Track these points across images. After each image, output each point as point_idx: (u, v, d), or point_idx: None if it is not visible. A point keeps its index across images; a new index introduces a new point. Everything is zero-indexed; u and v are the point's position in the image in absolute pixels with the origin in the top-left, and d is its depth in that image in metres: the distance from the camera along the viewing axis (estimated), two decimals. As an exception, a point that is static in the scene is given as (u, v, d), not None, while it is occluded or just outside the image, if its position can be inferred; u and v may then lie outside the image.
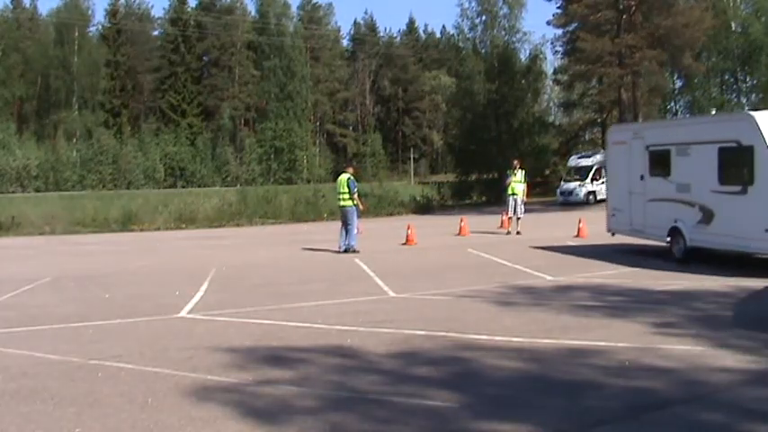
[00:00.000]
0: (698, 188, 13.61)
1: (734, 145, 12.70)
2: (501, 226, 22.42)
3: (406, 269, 14.28)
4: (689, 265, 13.40)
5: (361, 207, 17.41)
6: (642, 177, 15.26)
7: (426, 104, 71.93)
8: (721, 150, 12.98)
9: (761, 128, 12.10)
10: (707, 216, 13.35)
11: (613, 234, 16.80)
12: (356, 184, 17.18)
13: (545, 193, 41.28)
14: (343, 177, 17.22)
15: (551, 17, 46.92)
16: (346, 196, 16.93)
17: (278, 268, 14.89)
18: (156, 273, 14.55)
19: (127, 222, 27.80)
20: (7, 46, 61.92)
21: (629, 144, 15.90)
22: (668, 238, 14.45)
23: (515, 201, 20.83)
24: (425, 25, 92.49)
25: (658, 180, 14.77)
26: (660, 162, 14.77)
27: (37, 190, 45.29)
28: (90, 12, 67.58)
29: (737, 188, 12.61)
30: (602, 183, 32.40)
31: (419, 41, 79.53)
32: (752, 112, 13.25)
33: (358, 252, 16.66)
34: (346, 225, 17.05)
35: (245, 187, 41.43)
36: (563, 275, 12.67)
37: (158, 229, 27.27)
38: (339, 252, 16.85)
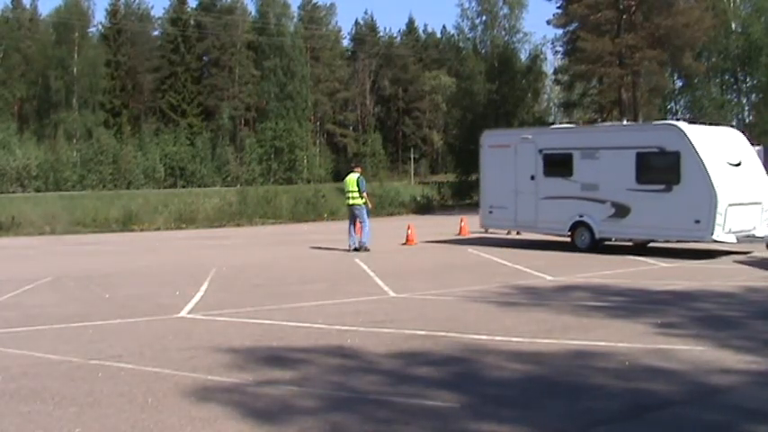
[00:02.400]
0: (609, 187, 15.74)
1: (656, 150, 15.15)
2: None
3: (407, 269, 14.28)
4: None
5: (369, 206, 17.68)
6: (533, 177, 17.16)
7: (426, 104, 71.94)
8: (640, 155, 15.31)
9: (689, 136, 14.62)
10: (621, 211, 15.58)
11: (487, 230, 18.89)
12: (366, 183, 17.51)
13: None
14: (353, 177, 17.48)
15: (551, 17, 46.93)
16: (356, 195, 17.20)
17: (278, 268, 14.88)
18: (156, 273, 14.54)
19: (127, 222, 27.78)
20: (8, 46, 61.91)
21: (515, 147, 17.70)
22: (569, 232, 16.52)
23: None
24: (425, 25, 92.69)
25: (557, 180, 16.76)
26: (558, 164, 16.79)
27: (37, 190, 45.26)
28: (90, 12, 67.56)
29: (660, 187, 14.96)
30: None
31: (419, 41, 79.53)
32: (677, 123, 16.49)
33: (369, 250, 16.84)
34: (356, 223, 17.29)
35: (246, 187, 41.39)
36: (563, 275, 12.67)
37: (158, 229, 27.25)
38: (349, 251, 17.01)
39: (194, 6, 67.86)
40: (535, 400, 5.80)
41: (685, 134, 14.74)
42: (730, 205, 14.24)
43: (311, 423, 5.29)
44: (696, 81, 53.80)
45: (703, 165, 14.33)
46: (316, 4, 75.02)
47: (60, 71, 60.77)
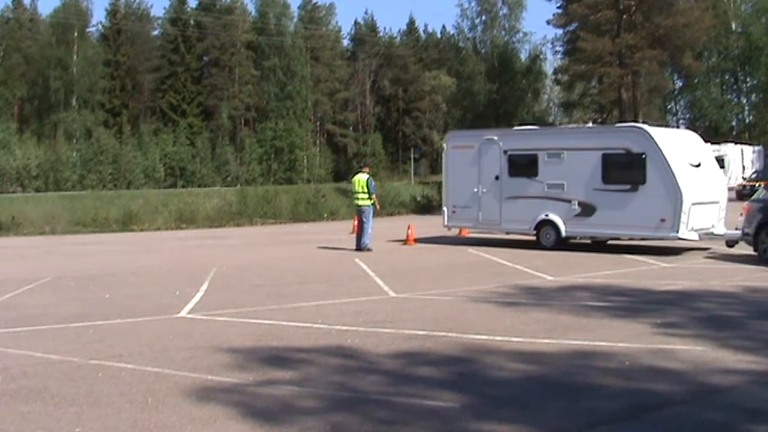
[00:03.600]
0: (575, 187, 16.31)
1: (622, 152, 15.72)
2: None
3: (407, 269, 14.28)
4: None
5: (378, 207, 17.80)
6: (497, 178, 17.59)
7: (426, 104, 71.85)
8: (606, 156, 15.88)
9: (655, 138, 15.26)
10: (587, 210, 16.16)
11: (450, 229, 19.30)
12: (375, 184, 17.65)
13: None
14: (362, 177, 17.56)
15: (551, 17, 46.93)
16: (365, 195, 17.30)
17: (278, 268, 14.88)
18: (156, 273, 14.55)
19: (127, 222, 27.82)
20: (8, 46, 61.84)
21: (479, 148, 18.07)
22: (534, 231, 16.96)
23: None
24: (425, 25, 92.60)
25: (521, 180, 17.22)
26: (523, 165, 17.28)
27: (37, 190, 45.18)
28: (90, 12, 67.49)
29: (625, 187, 15.58)
30: None
31: (419, 41, 79.44)
32: (643, 126, 17.03)
33: (371, 250, 16.95)
34: (362, 223, 17.36)
35: (246, 187, 41.38)
36: (563, 275, 12.67)
37: (158, 229, 27.28)
38: (354, 250, 17.19)
39: (194, 6, 67.78)
40: (535, 400, 5.80)
41: (651, 136, 15.39)
42: (693, 204, 14.94)
43: (311, 423, 5.29)
44: (696, 81, 53.79)
45: (669, 166, 14.98)
46: (316, 4, 74.94)
47: (60, 71, 60.67)
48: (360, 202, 17.38)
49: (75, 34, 61.94)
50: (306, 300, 10.58)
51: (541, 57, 51.01)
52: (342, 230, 23.06)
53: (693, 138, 17.46)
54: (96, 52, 61.78)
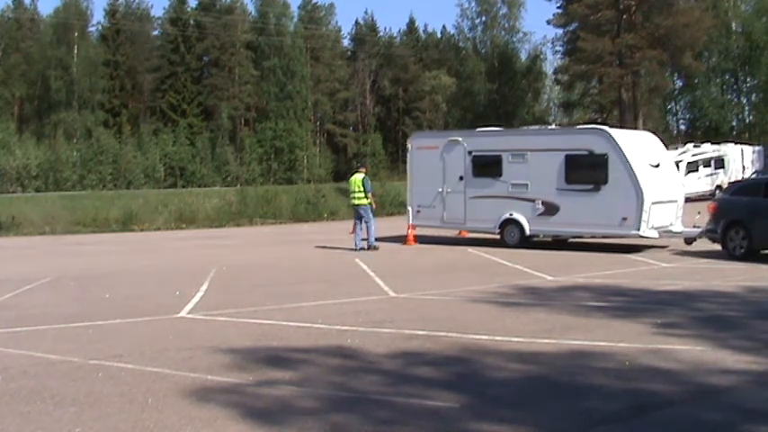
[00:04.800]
0: (539, 187, 16.79)
1: (585, 153, 16.21)
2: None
3: (407, 269, 14.28)
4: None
5: (374, 206, 17.89)
6: (462, 178, 18.01)
7: (426, 104, 71.80)
8: (569, 157, 16.37)
9: (616, 140, 15.83)
10: (550, 209, 16.66)
11: (415, 227, 19.36)
12: (371, 183, 17.82)
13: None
14: (358, 177, 17.71)
15: (551, 17, 46.96)
16: (361, 195, 17.44)
17: (278, 268, 14.88)
18: (156, 273, 14.54)
19: (127, 222, 27.81)
20: (8, 46, 61.81)
21: (443, 149, 18.49)
22: (498, 230, 17.46)
23: None
24: (425, 25, 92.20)
25: (486, 180, 17.69)
26: (488, 165, 17.71)
27: (37, 190, 45.17)
28: (89, 12, 67.43)
29: (588, 187, 16.12)
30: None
31: (419, 41, 79.33)
32: (604, 127, 17.69)
33: (377, 248, 17.09)
34: (362, 222, 17.45)
35: (246, 187, 41.37)
36: (563, 275, 12.67)
37: (158, 229, 27.28)
38: (355, 250, 17.20)
39: (194, 6, 67.74)
40: (535, 400, 5.80)
41: (613, 138, 16.00)
42: (653, 203, 15.58)
43: (311, 423, 5.29)
44: (696, 81, 53.75)
45: (630, 166, 15.57)
46: (316, 4, 74.85)
47: (60, 71, 60.64)
48: (357, 202, 17.50)
49: (76, 34, 61.92)
50: (306, 300, 10.58)
51: (541, 57, 51.17)
52: (342, 230, 23.05)
53: (652, 139, 18.08)
54: (96, 52, 61.73)
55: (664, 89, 51.54)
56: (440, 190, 18.40)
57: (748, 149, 40.50)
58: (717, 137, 44.27)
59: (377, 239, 17.60)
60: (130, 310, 9.99)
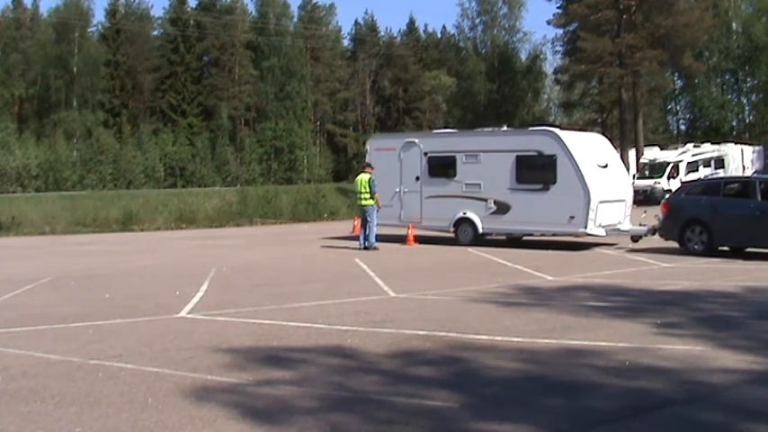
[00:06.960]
0: (491, 187, 17.40)
1: (534, 154, 16.86)
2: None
3: (407, 269, 14.28)
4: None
5: (380, 206, 18.01)
6: (418, 178, 18.65)
7: (427, 104, 71.82)
8: (519, 158, 17.03)
9: (565, 141, 16.40)
10: (502, 208, 17.28)
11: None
12: (377, 184, 17.95)
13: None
14: (364, 178, 17.89)
15: (551, 17, 46.98)
16: (367, 196, 17.60)
17: (278, 268, 14.88)
18: (156, 273, 14.54)
19: (127, 222, 27.80)
20: (7, 46, 61.82)
21: (400, 150, 19.20)
22: (453, 228, 18.03)
23: None
24: (425, 25, 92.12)
25: (441, 180, 18.31)
26: (442, 166, 18.35)
27: (37, 190, 45.21)
28: (90, 11, 67.45)
29: (538, 186, 16.73)
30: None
31: (419, 41, 79.32)
32: (553, 129, 18.09)
33: (377, 249, 17.23)
34: (366, 223, 17.61)
35: (246, 187, 41.41)
36: (563, 275, 12.67)
37: (158, 229, 27.27)
38: (359, 249, 17.36)
39: (194, 6, 67.74)
40: (535, 400, 5.80)
41: (561, 139, 16.57)
42: (600, 202, 16.13)
43: (311, 423, 5.29)
44: (696, 81, 53.74)
45: (578, 167, 16.14)
46: (316, 4, 74.87)
47: (60, 70, 60.69)
48: (363, 202, 17.65)
49: (76, 34, 61.92)
50: (306, 300, 10.58)
51: (541, 57, 51.18)
52: (342, 230, 23.07)
53: (601, 140, 18.77)
54: (97, 52, 61.72)
55: (664, 89, 51.59)
56: (397, 190, 18.91)
57: (748, 149, 40.53)
58: (717, 137, 44.30)
59: (377, 239, 17.66)
60: (130, 310, 9.98)
